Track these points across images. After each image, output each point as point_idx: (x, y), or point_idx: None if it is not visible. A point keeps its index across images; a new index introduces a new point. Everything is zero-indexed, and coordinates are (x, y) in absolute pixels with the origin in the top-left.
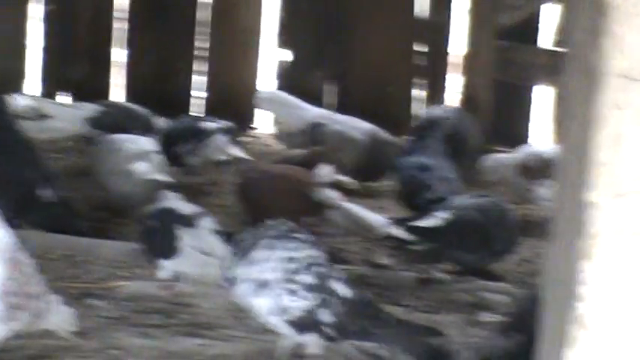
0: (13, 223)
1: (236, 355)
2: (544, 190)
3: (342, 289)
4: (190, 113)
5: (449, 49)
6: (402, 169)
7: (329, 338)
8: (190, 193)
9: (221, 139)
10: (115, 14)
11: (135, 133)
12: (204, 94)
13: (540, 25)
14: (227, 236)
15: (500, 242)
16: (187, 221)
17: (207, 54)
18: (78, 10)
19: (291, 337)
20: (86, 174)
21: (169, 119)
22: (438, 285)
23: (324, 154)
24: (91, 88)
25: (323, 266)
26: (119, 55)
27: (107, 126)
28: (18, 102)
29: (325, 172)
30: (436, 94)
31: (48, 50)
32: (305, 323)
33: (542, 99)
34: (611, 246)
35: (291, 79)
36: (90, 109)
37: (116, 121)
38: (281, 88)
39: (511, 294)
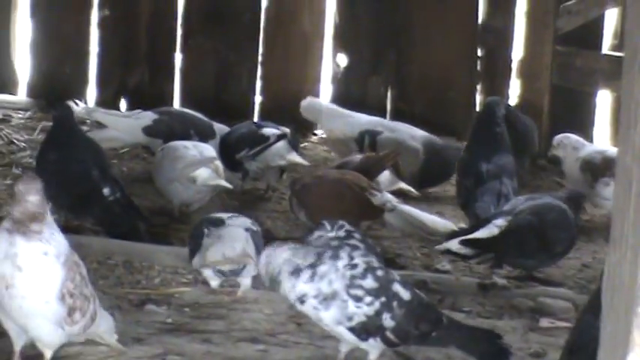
0: (72, 223)
1: None
2: (609, 190)
3: (403, 293)
4: (252, 119)
5: (511, 55)
6: (458, 178)
7: (390, 343)
8: (249, 198)
9: (281, 145)
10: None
11: (194, 140)
12: (260, 99)
13: (603, 31)
14: (256, 233)
15: (559, 244)
16: (218, 222)
17: (265, 59)
18: (138, 13)
19: (353, 342)
20: (142, 181)
21: (228, 125)
22: (499, 290)
23: (380, 160)
24: (152, 94)
25: (382, 270)
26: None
27: (164, 133)
28: (79, 110)
29: (386, 178)
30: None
31: (106, 55)
32: (368, 329)
33: (604, 104)
34: None
35: (347, 85)
36: (148, 117)
37: (174, 128)
38: (336, 93)
39: (571, 299)
